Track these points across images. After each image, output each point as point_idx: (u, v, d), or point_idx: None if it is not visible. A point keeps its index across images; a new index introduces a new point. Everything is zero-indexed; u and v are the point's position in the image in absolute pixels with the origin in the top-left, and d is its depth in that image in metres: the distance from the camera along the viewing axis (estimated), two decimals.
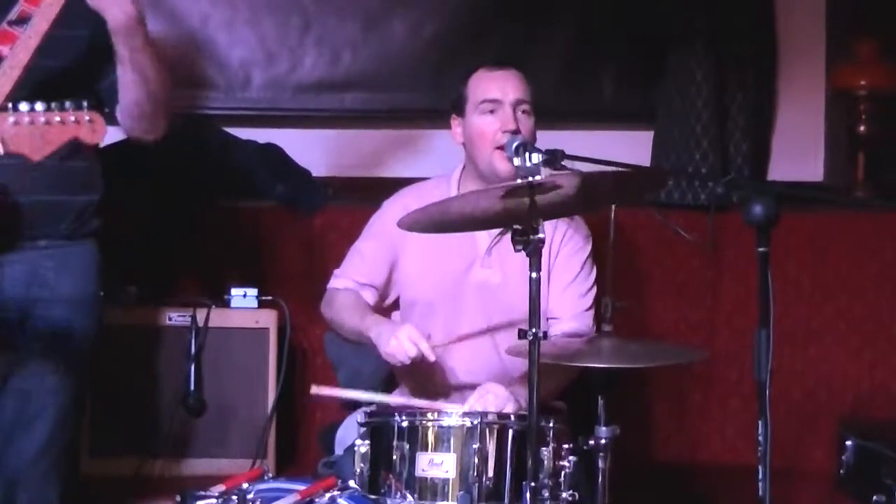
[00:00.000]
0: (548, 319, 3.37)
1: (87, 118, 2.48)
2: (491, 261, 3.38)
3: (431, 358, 3.10)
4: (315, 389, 3.22)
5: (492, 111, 3.33)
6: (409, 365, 3.15)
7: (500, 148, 3.26)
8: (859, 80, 4.42)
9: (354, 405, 3.45)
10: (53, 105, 2.48)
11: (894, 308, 4.26)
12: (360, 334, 3.29)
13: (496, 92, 3.34)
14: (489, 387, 3.13)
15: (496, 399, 3.07)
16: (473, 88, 3.38)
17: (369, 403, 3.11)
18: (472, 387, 3.24)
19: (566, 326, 3.31)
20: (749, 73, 4.46)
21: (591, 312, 3.37)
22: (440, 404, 3.16)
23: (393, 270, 3.45)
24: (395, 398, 3.27)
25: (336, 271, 3.49)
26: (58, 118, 2.47)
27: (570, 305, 3.36)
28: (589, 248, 3.45)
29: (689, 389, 4.29)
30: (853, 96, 4.46)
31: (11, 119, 2.45)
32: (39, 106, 2.47)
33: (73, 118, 2.47)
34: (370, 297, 3.43)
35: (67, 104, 2.49)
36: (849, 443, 3.80)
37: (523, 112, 3.33)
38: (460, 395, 3.27)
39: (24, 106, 2.46)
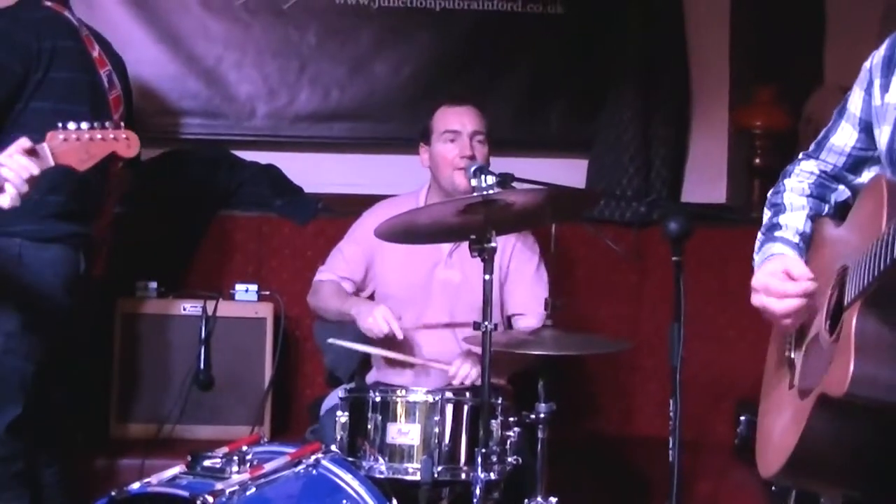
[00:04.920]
0: (513, 316, 3.41)
1: (123, 136, 2.45)
2: (452, 262, 3.38)
3: (399, 335, 3.13)
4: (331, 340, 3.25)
5: (452, 140, 3.34)
6: (383, 340, 3.16)
7: (459, 169, 3.27)
8: (756, 121, 4.42)
9: (337, 382, 3.46)
10: (96, 124, 2.45)
11: None
12: (342, 314, 3.29)
13: (456, 124, 3.35)
14: (469, 354, 3.15)
15: (472, 366, 3.10)
16: (437, 121, 3.39)
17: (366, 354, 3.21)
18: (435, 362, 3.26)
19: (532, 322, 3.26)
20: (667, 114, 4.47)
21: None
22: (420, 360, 3.21)
23: (369, 269, 3.46)
24: (386, 353, 3.25)
25: (321, 267, 3.50)
26: (99, 135, 2.43)
27: (533, 305, 3.29)
28: (538, 255, 3.46)
29: (615, 374, 4.28)
30: (751, 134, 4.46)
31: (61, 136, 2.42)
32: (84, 125, 2.44)
33: (112, 135, 2.44)
34: (349, 288, 3.44)
35: (108, 123, 2.45)
36: (742, 418, 3.82)
37: (478, 141, 3.35)
38: (423, 369, 3.29)
39: (71, 125, 2.43)
